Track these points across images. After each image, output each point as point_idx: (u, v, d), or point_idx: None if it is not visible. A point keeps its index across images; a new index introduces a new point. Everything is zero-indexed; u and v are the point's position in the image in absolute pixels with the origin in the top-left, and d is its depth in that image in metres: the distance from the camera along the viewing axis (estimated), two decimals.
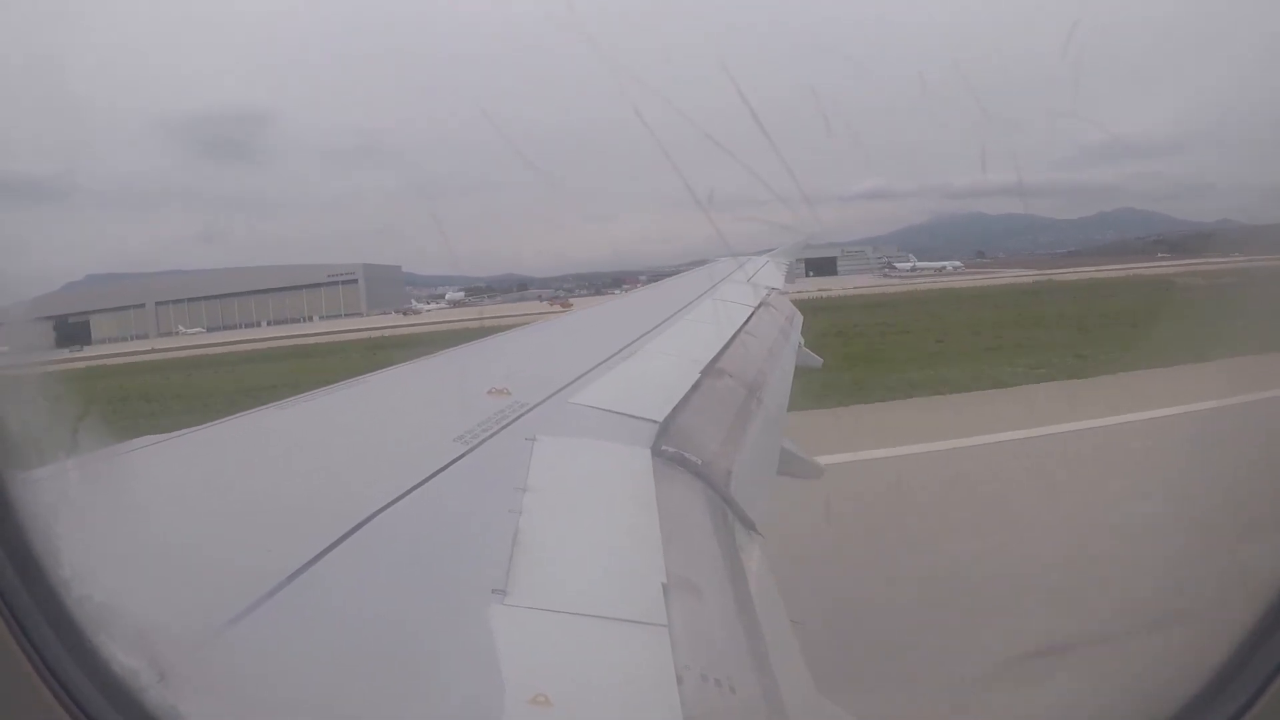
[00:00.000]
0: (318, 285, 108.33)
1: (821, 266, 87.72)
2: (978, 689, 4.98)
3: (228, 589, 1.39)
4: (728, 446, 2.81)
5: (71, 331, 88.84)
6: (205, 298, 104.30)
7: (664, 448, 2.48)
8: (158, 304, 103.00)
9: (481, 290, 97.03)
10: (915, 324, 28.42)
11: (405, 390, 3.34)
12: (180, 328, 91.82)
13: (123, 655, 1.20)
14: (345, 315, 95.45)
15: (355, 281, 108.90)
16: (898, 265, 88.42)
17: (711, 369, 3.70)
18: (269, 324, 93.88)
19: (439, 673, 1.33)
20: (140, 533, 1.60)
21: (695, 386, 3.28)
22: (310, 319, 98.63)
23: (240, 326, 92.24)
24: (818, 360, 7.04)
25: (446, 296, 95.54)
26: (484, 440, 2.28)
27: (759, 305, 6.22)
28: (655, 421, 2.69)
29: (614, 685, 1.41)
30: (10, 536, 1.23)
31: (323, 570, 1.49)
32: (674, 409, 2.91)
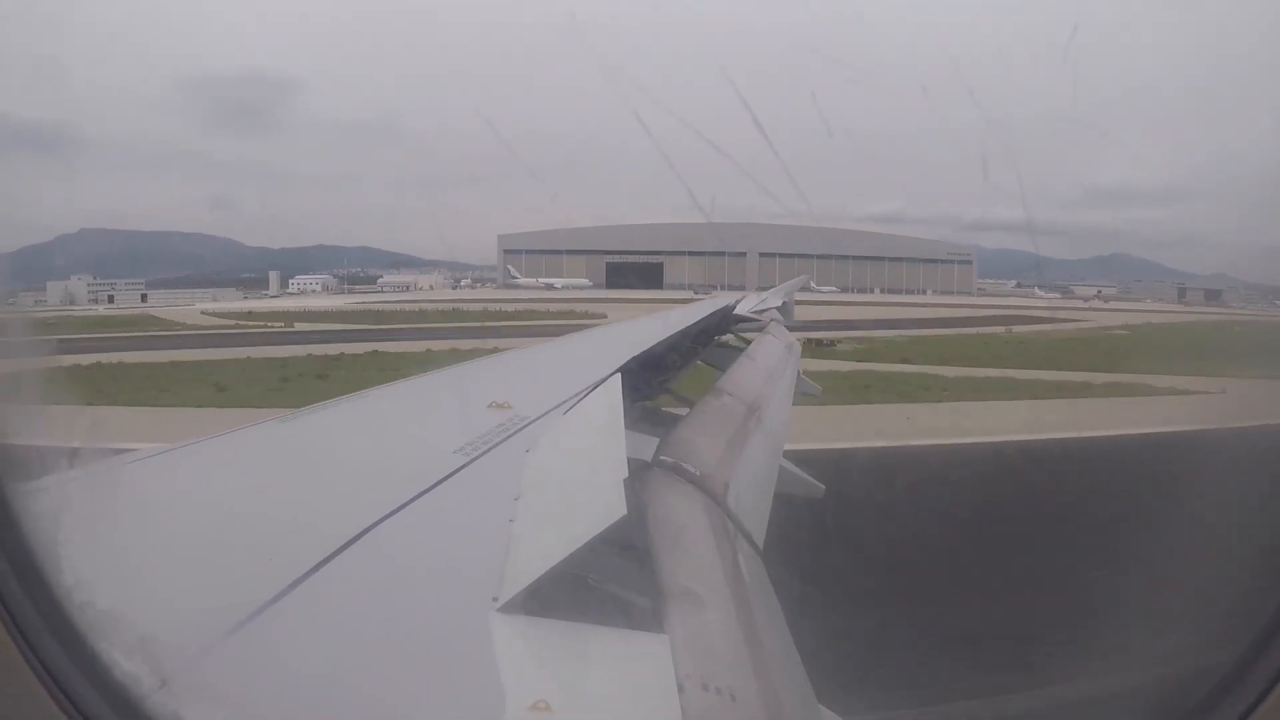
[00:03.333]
0: (934, 261, 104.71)
1: (1183, 293, 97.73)
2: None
3: (230, 596, 1.40)
4: (725, 457, 2.83)
5: (647, 272, 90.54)
6: (804, 255, 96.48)
7: (662, 458, 2.49)
8: (761, 255, 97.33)
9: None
10: None
11: (410, 404, 3.35)
12: (812, 284, 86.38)
13: (124, 662, 1.20)
14: (955, 293, 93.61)
15: (969, 262, 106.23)
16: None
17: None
18: (881, 291, 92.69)
19: (439, 679, 1.33)
20: (143, 541, 1.61)
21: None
22: (924, 292, 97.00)
23: (849, 290, 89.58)
24: (816, 388, 7.13)
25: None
26: (484, 452, 2.29)
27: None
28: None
29: (615, 693, 1.41)
30: (13, 544, 1.25)
31: (322, 580, 1.50)
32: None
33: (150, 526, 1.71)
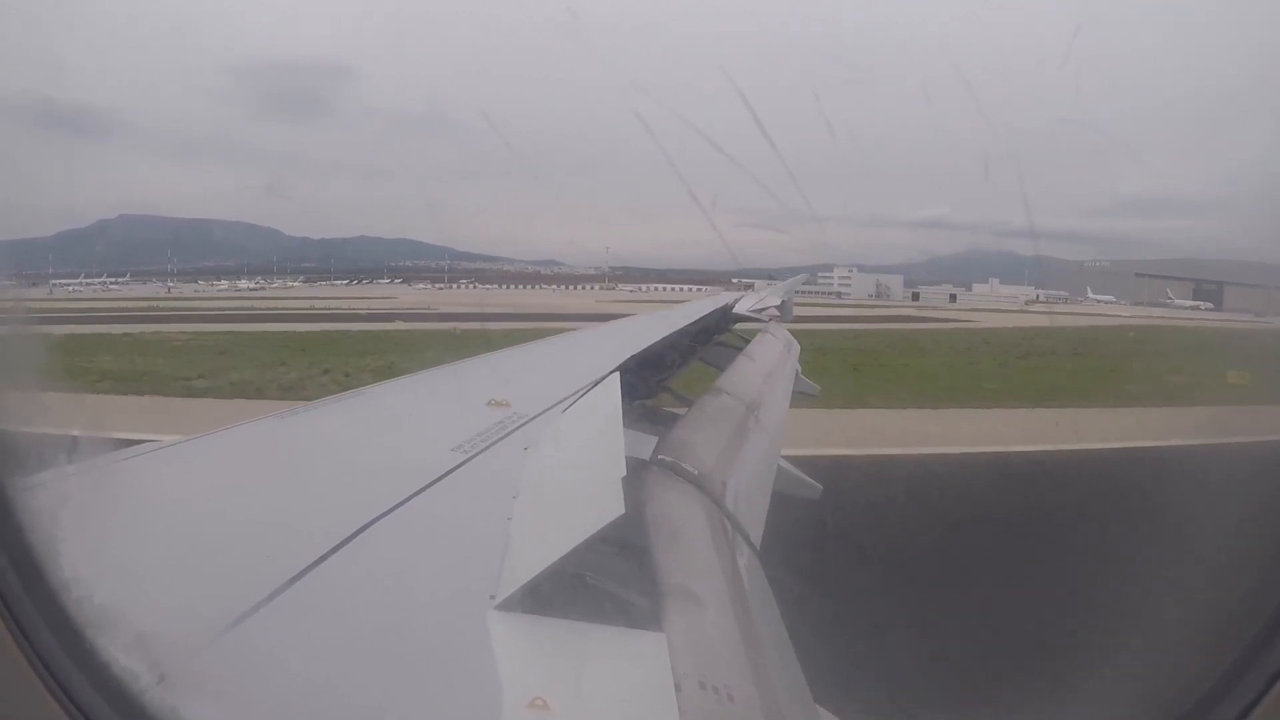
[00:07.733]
0: None
1: None
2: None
3: (228, 592, 1.40)
4: (723, 456, 2.83)
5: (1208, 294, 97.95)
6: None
7: (661, 457, 2.50)
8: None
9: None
10: None
11: (408, 401, 3.35)
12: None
13: (122, 657, 1.20)
14: None
15: None
16: None
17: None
18: None
19: (437, 676, 1.33)
20: (141, 537, 1.61)
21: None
22: None
23: None
24: (815, 388, 7.13)
25: None
26: (482, 450, 2.29)
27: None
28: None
29: (612, 691, 1.41)
30: (11, 539, 1.24)
31: (320, 577, 1.50)
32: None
33: (148, 522, 1.71)
